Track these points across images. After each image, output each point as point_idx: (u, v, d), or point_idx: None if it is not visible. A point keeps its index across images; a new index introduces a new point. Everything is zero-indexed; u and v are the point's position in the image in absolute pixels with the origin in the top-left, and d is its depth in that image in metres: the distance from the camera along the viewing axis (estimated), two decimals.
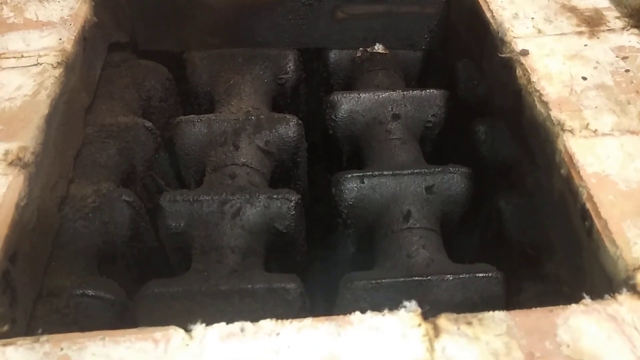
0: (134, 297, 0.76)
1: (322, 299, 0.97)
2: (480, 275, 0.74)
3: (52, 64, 0.87)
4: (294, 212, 0.86)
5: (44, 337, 0.52)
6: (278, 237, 0.87)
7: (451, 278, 0.73)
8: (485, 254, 0.88)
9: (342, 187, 0.88)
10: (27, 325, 0.69)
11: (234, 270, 0.78)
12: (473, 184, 0.89)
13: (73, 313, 0.74)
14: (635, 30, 0.86)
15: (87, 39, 0.99)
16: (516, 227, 0.83)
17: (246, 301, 0.74)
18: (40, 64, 0.87)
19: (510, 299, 0.78)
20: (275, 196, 0.86)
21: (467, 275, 0.73)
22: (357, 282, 0.74)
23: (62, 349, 0.51)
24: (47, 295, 0.76)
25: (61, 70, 0.87)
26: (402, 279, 0.74)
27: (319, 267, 1.07)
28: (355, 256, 0.93)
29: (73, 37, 0.94)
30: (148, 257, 0.93)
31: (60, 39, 0.92)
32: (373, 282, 0.74)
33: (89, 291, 0.75)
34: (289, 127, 0.98)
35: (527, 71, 0.79)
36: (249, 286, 0.74)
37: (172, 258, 0.91)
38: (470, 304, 0.74)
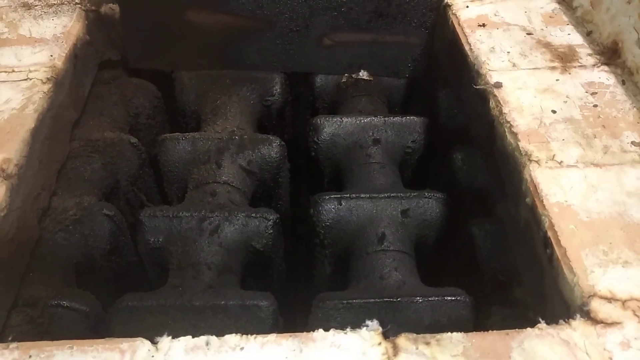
0: (108, 310, 0.77)
1: (303, 320, 0.99)
2: (449, 298, 0.75)
3: (41, 80, 0.90)
4: (271, 231, 0.88)
5: (14, 344, 0.54)
6: (255, 255, 0.88)
7: (420, 300, 0.75)
8: (459, 278, 0.90)
9: (320, 208, 0.90)
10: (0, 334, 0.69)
11: (209, 286, 0.80)
12: (448, 209, 0.91)
13: (47, 323, 0.75)
14: (606, 67, 0.89)
15: (79, 56, 1.02)
16: (488, 253, 0.85)
17: (219, 317, 0.75)
18: (30, 79, 0.90)
19: (480, 323, 0.80)
20: (253, 215, 0.87)
21: (436, 299, 0.75)
22: (328, 302, 0.76)
23: (30, 356, 0.52)
24: (23, 305, 0.77)
25: (50, 85, 0.90)
26: (373, 300, 0.75)
27: (302, 289, 1.08)
28: (332, 276, 0.94)
29: (64, 54, 0.96)
30: (126, 271, 0.94)
31: (51, 56, 0.95)
32: (344, 302, 0.75)
33: (64, 302, 0.76)
34: (272, 148, 1.01)
35: (500, 103, 0.82)
36: (222, 302, 0.75)
37: (150, 273, 0.92)
38: (439, 326, 0.75)
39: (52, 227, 0.85)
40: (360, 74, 1.17)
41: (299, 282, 1.15)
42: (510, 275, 0.82)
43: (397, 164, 1.04)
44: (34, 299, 0.78)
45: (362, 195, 0.90)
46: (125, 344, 0.53)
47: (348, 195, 0.90)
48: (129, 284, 0.94)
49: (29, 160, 0.80)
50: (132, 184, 1.04)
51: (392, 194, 0.90)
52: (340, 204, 0.90)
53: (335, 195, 0.90)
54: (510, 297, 0.81)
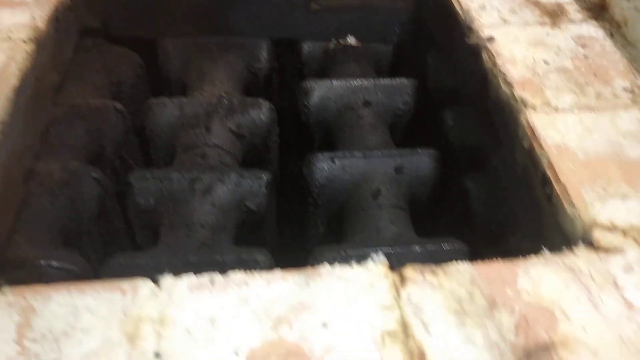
0: (100, 268, 0.75)
1: None
2: (446, 247, 0.75)
3: (23, 39, 0.87)
4: (265, 191, 0.86)
5: (7, 288, 0.51)
6: (249, 215, 0.87)
7: (418, 249, 0.74)
8: (452, 232, 0.90)
9: (313, 167, 0.89)
10: None
11: (204, 243, 0.78)
12: (441, 166, 0.91)
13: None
14: (594, 22, 0.90)
15: (60, 20, 0.99)
16: (482, 206, 0.86)
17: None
18: (12, 40, 0.87)
19: None
20: (246, 174, 0.86)
21: (434, 247, 0.75)
22: (326, 254, 0.75)
23: (25, 297, 0.50)
24: (9, 267, 0.74)
25: (33, 46, 0.86)
26: (371, 250, 0.74)
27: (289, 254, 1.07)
28: (325, 236, 0.93)
29: (46, 16, 0.93)
30: (114, 237, 0.92)
31: (32, 17, 0.92)
32: (342, 253, 0.74)
33: (54, 262, 0.74)
34: (262, 111, 0.99)
35: (493, 55, 0.83)
36: (219, 257, 0.74)
37: (139, 237, 0.90)
38: None
39: (37, 190, 0.82)
40: (348, 39, 1.16)
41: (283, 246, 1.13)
42: (504, 226, 0.82)
43: (388, 126, 1.04)
44: (21, 260, 0.75)
45: (356, 154, 0.89)
46: (126, 284, 0.52)
47: (341, 154, 0.89)
48: (117, 250, 0.92)
49: (13, 119, 0.77)
50: (117, 151, 1.01)
51: (385, 152, 0.90)
52: (334, 163, 0.89)
53: (328, 154, 0.90)
54: (504, 246, 0.81)
